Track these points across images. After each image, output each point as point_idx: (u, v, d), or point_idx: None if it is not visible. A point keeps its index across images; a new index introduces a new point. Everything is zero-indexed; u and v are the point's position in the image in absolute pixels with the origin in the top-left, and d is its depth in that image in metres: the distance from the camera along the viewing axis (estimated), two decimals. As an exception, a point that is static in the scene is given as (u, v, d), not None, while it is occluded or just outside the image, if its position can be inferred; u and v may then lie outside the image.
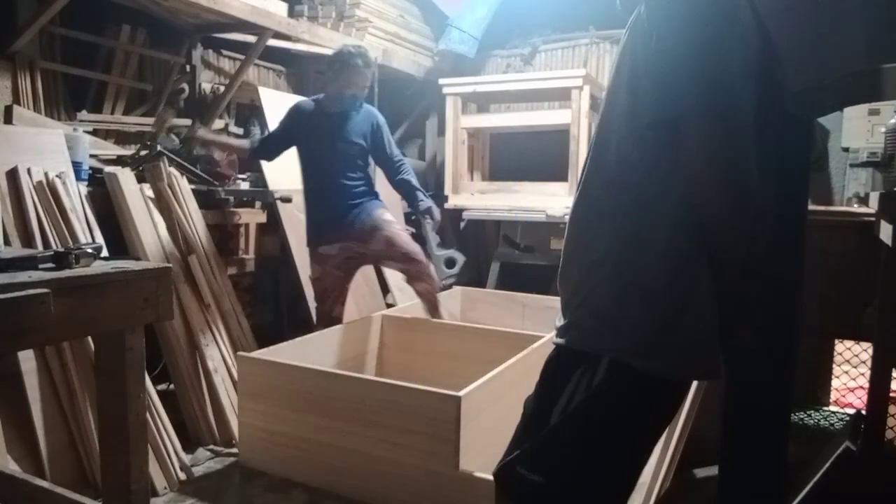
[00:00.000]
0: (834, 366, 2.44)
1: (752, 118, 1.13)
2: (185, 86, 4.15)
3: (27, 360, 2.27)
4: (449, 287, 3.92)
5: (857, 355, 2.23)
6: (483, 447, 2.29)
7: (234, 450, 2.68)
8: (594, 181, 1.27)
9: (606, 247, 1.21)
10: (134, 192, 2.87)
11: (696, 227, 1.15)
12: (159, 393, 2.64)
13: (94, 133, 3.51)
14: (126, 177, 2.87)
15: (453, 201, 4.82)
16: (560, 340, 1.28)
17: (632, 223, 1.19)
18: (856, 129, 4.45)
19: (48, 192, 2.55)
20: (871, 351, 1.66)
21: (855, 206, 3.95)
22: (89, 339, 2.29)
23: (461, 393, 2.20)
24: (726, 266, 1.17)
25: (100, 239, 2.61)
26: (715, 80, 1.06)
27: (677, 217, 1.16)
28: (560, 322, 1.30)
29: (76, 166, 2.77)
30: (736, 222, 1.13)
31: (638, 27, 1.18)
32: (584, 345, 1.23)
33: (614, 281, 1.20)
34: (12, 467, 2.08)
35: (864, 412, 1.72)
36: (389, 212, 3.32)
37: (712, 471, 1.95)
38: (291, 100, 4.45)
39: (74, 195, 2.65)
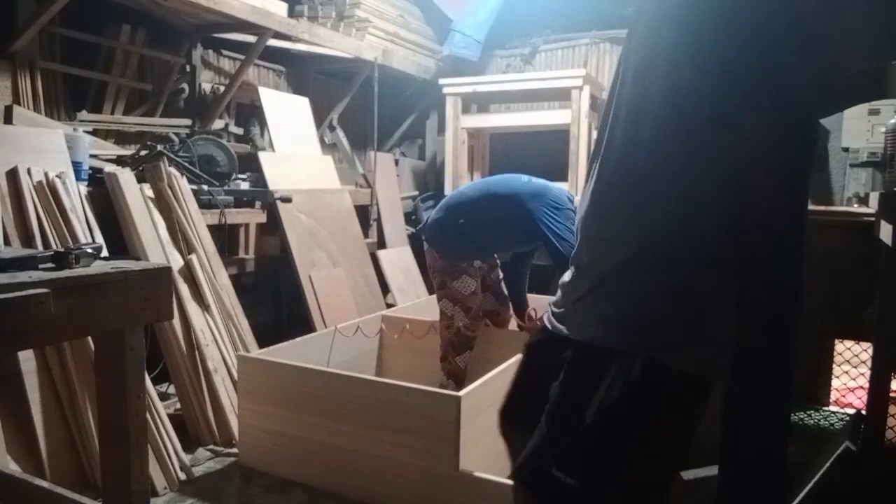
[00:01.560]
0: (834, 366, 2.43)
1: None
2: (185, 86, 4.15)
3: (27, 360, 2.27)
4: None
5: (857, 355, 2.23)
6: (483, 447, 2.29)
7: (234, 450, 2.68)
8: (621, 175, 1.20)
9: (636, 242, 1.16)
10: (134, 193, 2.87)
11: (743, 224, 1.11)
12: (159, 393, 2.64)
13: (94, 133, 3.51)
14: (126, 177, 2.87)
15: (453, 201, 4.82)
16: (583, 337, 1.22)
17: (667, 220, 1.14)
18: (856, 129, 4.45)
19: (48, 192, 2.55)
20: (871, 351, 1.66)
21: (855, 206, 3.95)
22: (89, 339, 2.29)
23: (461, 393, 2.20)
24: (752, 262, 1.14)
25: (100, 239, 2.61)
26: (772, 71, 1.02)
27: (722, 216, 1.12)
28: (573, 313, 1.25)
29: (76, 166, 2.77)
30: (787, 217, 1.09)
31: (665, 14, 1.13)
32: (610, 342, 1.18)
33: (648, 280, 1.16)
34: (12, 467, 2.08)
35: (864, 412, 1.72)
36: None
37: (712, 471, 1.95)
38: (292, 100, 4.47)
39: (74, 195, 2.65)
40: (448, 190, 4.85)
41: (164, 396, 2.93)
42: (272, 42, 4.16)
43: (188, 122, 4.10)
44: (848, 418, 2.09)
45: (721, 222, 1.13)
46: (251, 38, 4.12)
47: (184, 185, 3.09)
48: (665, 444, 1.21)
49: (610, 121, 1.25)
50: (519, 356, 2.61)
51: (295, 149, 4.18)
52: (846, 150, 4.58)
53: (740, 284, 1.17)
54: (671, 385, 1.16)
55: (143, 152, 3.24)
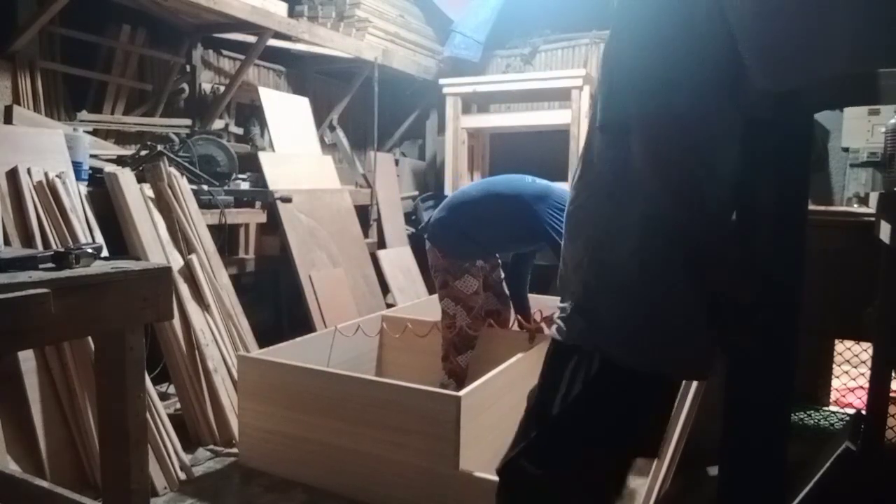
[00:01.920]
0: (834, 366, 2.43)
1: (709, 122, 1.13)
2: (185, 86, 4.15)
3: (27, 360, 2.27)
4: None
5: (857, 355, 2.23)
6: (483, 447, 2.29)
7: (234, 450, 2.68)
8: (578, 184, 1.31)
9: (586, 245, 1.25)
10: (134, 193, 2.86)
11: (662, 222, 1.16)
12: (159, 393, 2.63)
13: (94, 133, 3.51)
14: (126, 177, 2.87)
15: (453, 201, 4.81)
16: (554, 335, 1.31)
17: (606, 222, 1.22)
18: (856, 129, 4.44)
19: (48, 192, 2.55)
20: (871, 351, 1.65)
21: (855, 206, 3.95)
22: (89, 339, 2.29)
23: (461, 393, 2.20)
24: (706, 269, 1.17)
25: (100, 239, 2.61)
26: (653, 89, 1.07)
27: (645, 214, 1.17)
28: (555, 316, 1.32)
29: (76, 166, 2.76)
30: (682, 216, 1.13)
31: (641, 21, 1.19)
32: (570, 339, 1.26)
33: (591, 277, 1.23)
34: (12, 467, 2.08)
35: (864, 412, 1.71)
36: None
37: (713, 471, 1.95)
38: (292, 100, 4.47)
39: (74, 195, 2.65)
40: (448, 190, 4.84)
41: (164, 396, 2.93)
42: (272, 42, 4.16)
43: (188, 122, 4.10)
44: (848, 418, 2.09)
45: (649, 223, 1.17)
46: (251, 38, 4.11)
47: (184, 185, 3.09)
48: (624, 436, 1.26)
49: (588, 129, 1.32)
50: (519, 356, 2.63)
51: (295, 149, 4.18)
52: (846, 150, 4.58)
53: (741, 286, 1.18)
54: (626, 381, 1.21)
55: (143, 152, 3.24)
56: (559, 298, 1.34)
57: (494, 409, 2.40)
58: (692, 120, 1.10)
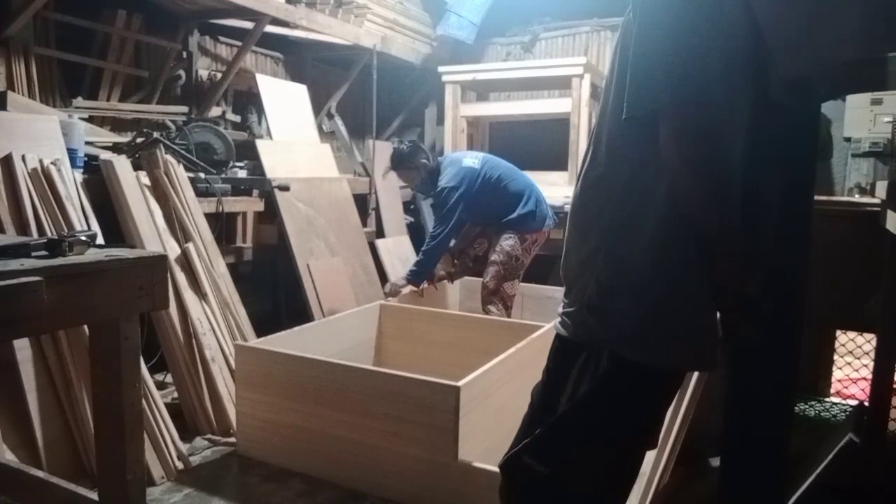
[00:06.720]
0: (836, 357, 2.43)
1: (736, 113, 1.13)
2: (182, 72, 4.11)
3: (23, 349, 2.25)
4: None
5: (860, 346, 2.22)
6: (482, 437, 2.28)
7: (232, 439, 2.67)
8: (589, 175, 1.29)
9: (598, 240, 1.23)
10: (130, 180, 2.84)
11: (685, 219, 1.15)
12: (157, 382, 2.62)
13: (90, 120, 3.47)
14: (122, 164, 2.84)
15: (452, 190, 4.78)
16: (560, 331, 1.30)
17: (621, 216, 1.20)
18: (858, 119, 4.42)
19: (43, 179, 2.52)
20: (873, 342, 1.64)
21: (857, 196, 3.93)
22: (85, 327, 2.27)
23: (460, 383, 2.19)
24: (716, 259, 1.16)
25: (95, 227, 2.59)
26: (689, 77, 1.06)
27: (665, 210, 1.16)
28: (560, 310, 1.31)
29: (71, 153, 2.73)
30: (714, 216, 1.13)
31: (629, 22, 1.17)
32: (578, 336, 1.25)
33: (605, 273, 1.21)
34: (8, 457, 2.07)
35: (866, 404, 1.71)
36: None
37: (714, 461, 1.94)
38: (289, 87, 4.43)
39: (70, 182, 2.62)
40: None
41: (161, 385, 2.92)
42: (270, 28, 4.12)
43: (185, 109, 4.07)
44: (849, 410, 2.08)
45: (665, 217, 1.16)
46: (248, 25, 4.07)
47: (180, 173, 3.06)
48: (632, 432, 1.26)
49: (592, 129, 1.32)
50: (518, 346, 2.61)
51: (293, 137, 4.15)
52: (848, 139, 4.56)
53: (746, 275, 1.17)
54: (637, 377, 1.20)
55: (139, 139, 3.21)
56: (563, 291, 1.33)
57: (494, 398, 2.39)
58: (725, 112, 1.09)
